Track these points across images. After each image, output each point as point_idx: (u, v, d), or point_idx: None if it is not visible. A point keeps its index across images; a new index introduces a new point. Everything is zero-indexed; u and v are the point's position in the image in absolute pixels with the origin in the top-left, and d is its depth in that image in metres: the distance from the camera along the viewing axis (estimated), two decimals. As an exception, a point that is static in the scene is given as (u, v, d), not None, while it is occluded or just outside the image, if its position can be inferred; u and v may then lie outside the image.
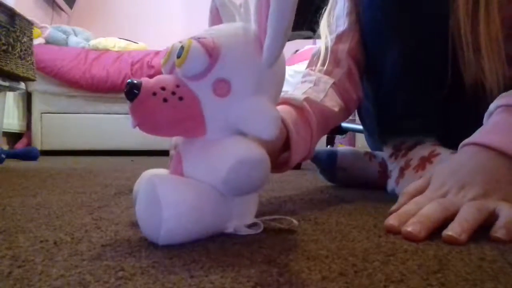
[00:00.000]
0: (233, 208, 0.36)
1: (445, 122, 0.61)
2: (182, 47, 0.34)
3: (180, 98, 0.34)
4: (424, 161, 0.59)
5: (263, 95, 0.35)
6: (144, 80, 0.34)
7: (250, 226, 0.37)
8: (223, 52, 0.34)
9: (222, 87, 0.34)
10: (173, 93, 0.34)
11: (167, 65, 0.36)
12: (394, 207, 0.45)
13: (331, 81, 0.62)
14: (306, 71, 0.67)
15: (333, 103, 0.59)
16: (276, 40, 0.33)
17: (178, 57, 0.34)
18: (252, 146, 0.34)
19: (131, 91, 0.33)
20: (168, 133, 0.36)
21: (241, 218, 0.37)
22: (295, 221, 0.40)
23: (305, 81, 0.63)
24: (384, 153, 0.68)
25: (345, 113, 0.65)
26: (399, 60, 0.62)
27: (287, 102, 0.53)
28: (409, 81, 0.62)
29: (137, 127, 0.34)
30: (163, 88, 0.33)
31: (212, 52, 0.33)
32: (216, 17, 0.42)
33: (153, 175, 0.33)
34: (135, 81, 0.33)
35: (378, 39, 0.65)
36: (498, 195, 0.40)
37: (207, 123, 0.35)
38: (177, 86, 0.34)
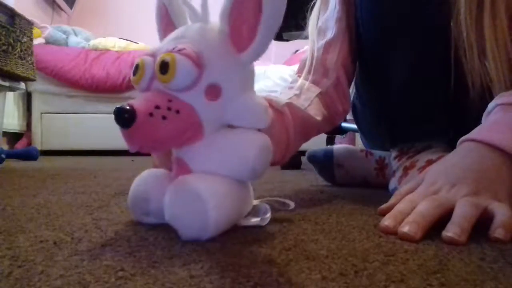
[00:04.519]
0: (251, 191, 0.41)
1: (456, 128, 0.60)
2: (165, 63, 0.34)
3: (177, 112, 0.34)
4: (431, 163, 0.58)
5: (248, 89, 0.38)
6: (135, 103, 0.33)
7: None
8: (207, 59, 0.35)
9: (213, 92, 0.35)
10: (169, 108, 0.34)
11: (142, 81, 0.36)
12: (383, 206, 0.46)
13: (317, 90, 0.61)
14: (295, 77, 0.66)
15: (316, 111, 0.58)
16: (268, 42, 0.35)
17: (163, 73, 0.34)
18: (259, 133, 0.37)
19: (124, 118, 0.33)
20: (169, 147, 0.38)
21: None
22: (291, 203, 0.47)
23: (291, 87, 0.62)
24: (391, 154, 0.68)
25: (330, 124, 0.64)
26: (406, 66, 0.61)
27: (268, 103, 0.52)
28: (418, 87, 0.61)
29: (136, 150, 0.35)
30: (157, 107, 0.34)
31: (197, 62, 0.34)
32: (165, 19, 0.42)
33: (184, 177, 0.35)
34: (125, 107, 0.33)
35: (382, 45, 0.64)
36: (489, 193, 0.40)
37: (205, 127, 0.36)
38: (169, 100, 0.34)
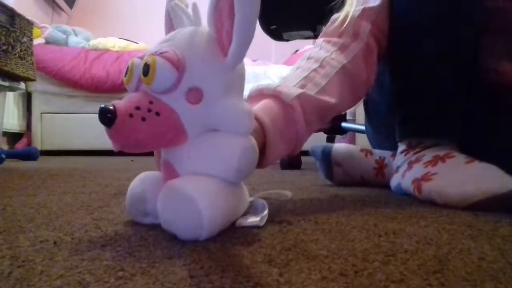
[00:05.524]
0: (244, 187, 0.41)
1: (468, 129, 0.60)
2: (146, 65, 0.34)
3: (157, 114, 0.35)
4: (437, 159, 0.58)
5: (232, 94, 0.37)
6: (116, 103, 0.34)
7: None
8: (188, 62, 0.35)
9: (194, 95, 0.36)
10: (149, 110, 0.34)
11: (131, 83, 0.37)
12: None
13: (339, 65, 0.58)
14: (320, 41, 0.63)
15: (332, 92, 0.56)
16: (244, 46, 0.35)
17: (145, 75, 0.34)
18: (243, 135, 0.37)
19: (106, 117, 0.33)
20: (152, 148, 0.38)
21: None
22: (288, 193, 0.50)
23: (311, 58, 0.59)
24: (395, 151, 0.68)
25: (351, 100, 0.61)
26: (432, 57, 0.61)
27: (277, 96, 0.50)
28: (438, 81, 0.61)
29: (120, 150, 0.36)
30: (137, 108, 0.34)
31: (178, 65, 0.34)
32: (169, 23, 0.43)
33: (172, 181, 0.35)
34: (108, 107, 0.34)
35: (412, 32, 0.62)
36: None
37: (187, 130, 0.36)
38: (150, 102, 0.35)
